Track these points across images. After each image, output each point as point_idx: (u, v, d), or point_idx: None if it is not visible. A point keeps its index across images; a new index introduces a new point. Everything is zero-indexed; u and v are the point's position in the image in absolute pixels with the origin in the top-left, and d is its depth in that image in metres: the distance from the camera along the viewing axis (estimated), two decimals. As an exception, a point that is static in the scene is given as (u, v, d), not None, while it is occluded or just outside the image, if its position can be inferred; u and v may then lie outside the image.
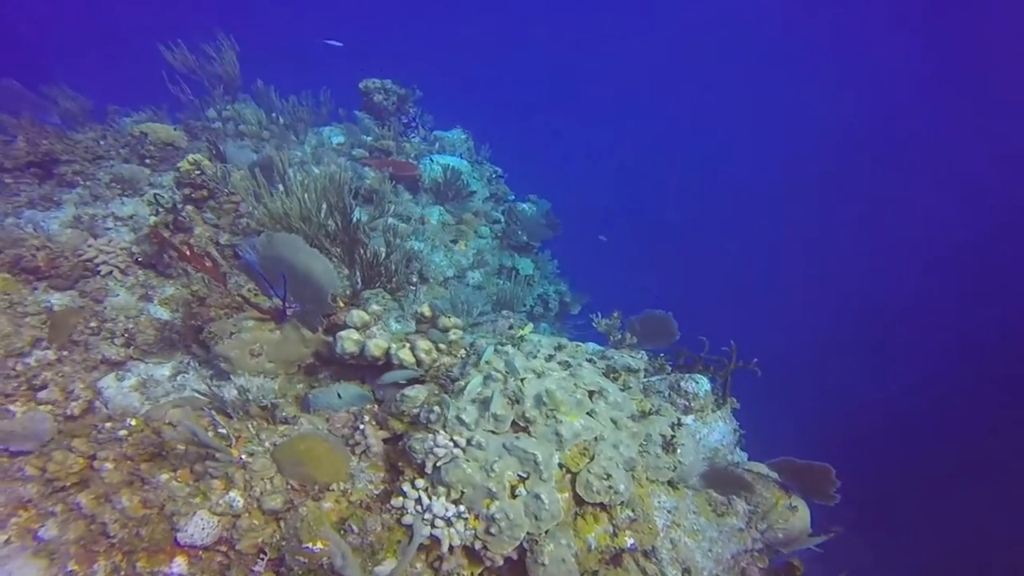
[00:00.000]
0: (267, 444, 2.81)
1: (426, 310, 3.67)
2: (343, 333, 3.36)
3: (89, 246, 4.06)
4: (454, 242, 6.41)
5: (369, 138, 7.08)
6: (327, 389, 3.48)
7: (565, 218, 7.97)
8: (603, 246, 16.80)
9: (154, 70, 6.20)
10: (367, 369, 3.50)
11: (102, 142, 5.22)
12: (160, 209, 3.85)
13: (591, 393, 3.21)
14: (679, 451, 3.23)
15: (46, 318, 3.62)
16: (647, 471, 3.08)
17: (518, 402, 2.95)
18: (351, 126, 7.28)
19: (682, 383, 3.71)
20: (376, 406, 3.18)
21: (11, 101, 5.17)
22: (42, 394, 3.05)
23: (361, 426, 2.98)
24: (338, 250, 3.83)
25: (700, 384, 3.73)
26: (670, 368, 4.24)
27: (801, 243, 27.78)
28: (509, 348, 3.57)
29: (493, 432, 2.83)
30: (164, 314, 4.02)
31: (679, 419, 3.46)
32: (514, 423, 2.89)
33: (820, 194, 30.91)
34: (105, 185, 4.93)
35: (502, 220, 7.28)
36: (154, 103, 6.41)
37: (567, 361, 3.51)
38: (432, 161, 7.12)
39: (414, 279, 5.10)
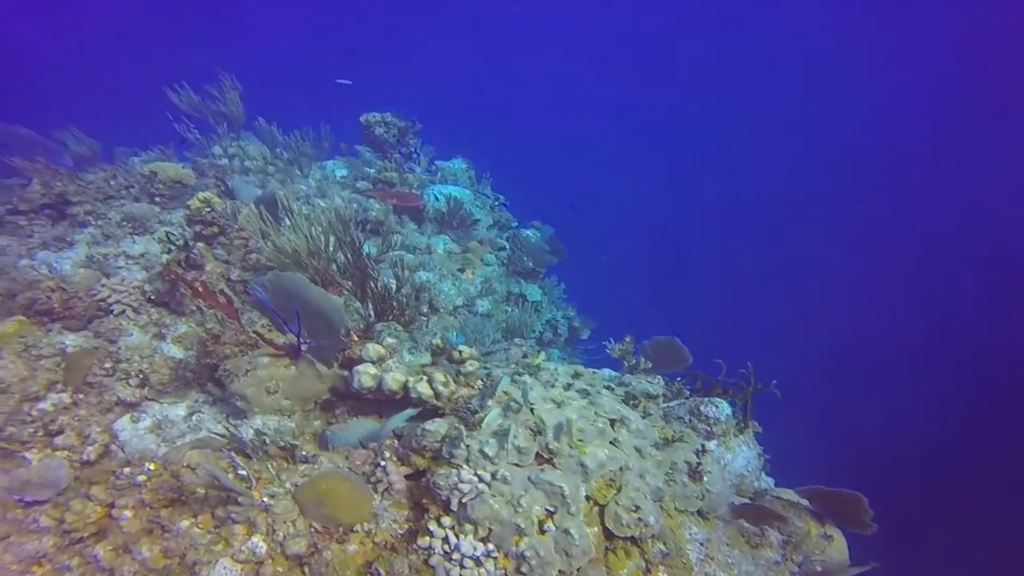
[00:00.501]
0: (288, 485, 2.78)
1: (440, 341, 3.66)
2: (360, 367, 3.36)
3: (102, 286, 4.09)
4: (461, 271, 6.45)
5: (372, 170, 7.19)
6: (345, 425, 3.46)
7: (569, 243, 8.04)
8: (607, 267, 16.82)
9: (160, 111, 6.34)
10: (384, 403, 3.48)
11: (112, 182, 5.30)
12: (172, 247, 3.88)
13: (613, 421, 3.18)
14: (706, 479, 3.18)
15: (60, 360, 3.63)
16: (675, 501, 3.03)
17: (540, 433, 2.92)
18: (353, 159, 7.41)
19: (702, 408, 3.67)
20: (396, 441, 3.16)
21: (25, 146, 5.29)
22: (58, 439, 3.04)
23: (382, 463, 2.95)
24: (349, 284, 3.85)
25: (720, 408, 3.68)
26: (688, 393, 4.21)
27: (816, 257, 27.63)
28: (526, 377, 3.56)
29: (517, 465, 2.80)
30: (177, 352, 4.02)
31: (703, 445, 3.42)
32: (537, 455, 2.86)
33: (840, 203, 30.86)
34: (116, 224, 4.99)
35: (507, 247, 7.35)
36: (161, 143, 6.53)
37: (586, 389, 3.49)
38: (435, 191, 7.24)
39: (425, 310, 5.11)
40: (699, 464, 3.16)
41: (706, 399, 3.77)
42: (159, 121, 6.45)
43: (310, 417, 3.65)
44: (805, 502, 3.46)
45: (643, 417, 3.44)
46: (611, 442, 3.03)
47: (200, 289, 3.22)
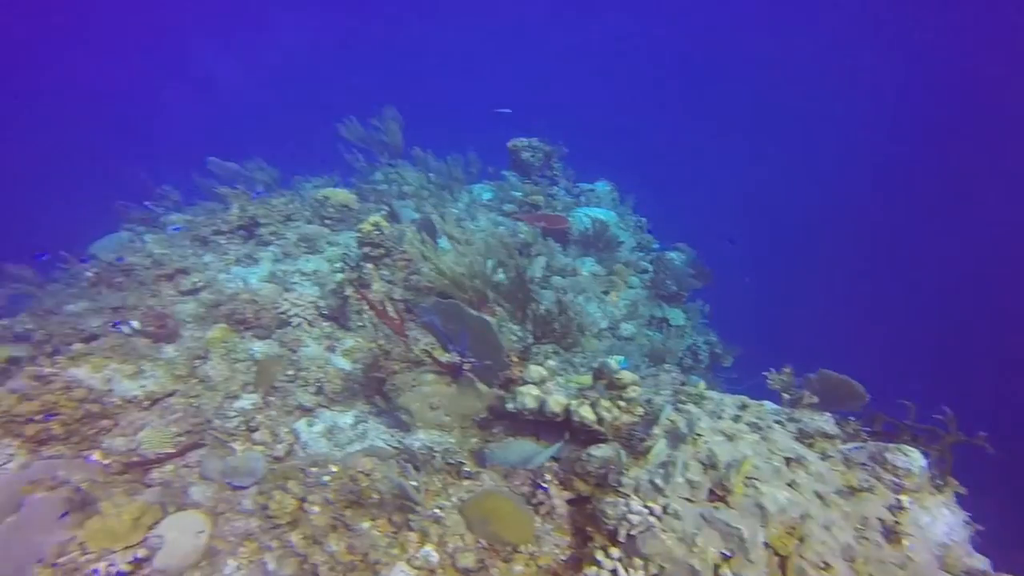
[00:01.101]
0: (455, 500, 2.91)
1: (603, 365, 3.68)
2: (523, 388, 3.45)
3: (284, 299, 4.62)
4: (605, 293, 6.47)
5: (519, 194, 7.48)
6: (503, 445, 3.56)
7: (714, 264, 7.76)
8: (749, 289, 15.84)
9: (330, 141, 7.13)
10: (542, 425, 3.54)
11: (290, 206, 6.01)
12: (347, 267, 4.29)
13: (788, 460, 2.97)
14: (906, 543, 2.84)
15: (252, 364, 4.14)
16: (869, 565, 2.73)
17: (712, 467, 2.80)
18: (500, 183, 7.77)
19: (887, 455, 3.29)
20: (556, 463, 3.19)
21: (230, 176, 6.20)
22: (256, 435, 3.44)
23: (544, 485, 2.99)
24: (508, 306, 3.98)
25: (912, 458, 3.27)
26: (865, 435, 3.82)
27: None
28: (691, 407, 3.45)
29: (689, 500, 2.70)
30: (345, 365, 4.40)
31: (899, 500, 3.06)
32: (710, 491, 2.74)
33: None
34: (293, 244, 5.64)
35: (650, 270, 7.26)
36: (328, 170, 7.33)
37: (755, 423, 3.30)
38: (581, 213, 7.37)
39: (586, 334, 5.17)
40: (897, 523, 2.83)
41: (891, 445, 3.39)
42: (328, 150, 7.24)
43: (467, 434, 3.80)
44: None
45: (822, 459, 3.17)
46: (788, 484, 2.82)
47: (379, 309, 3.51)
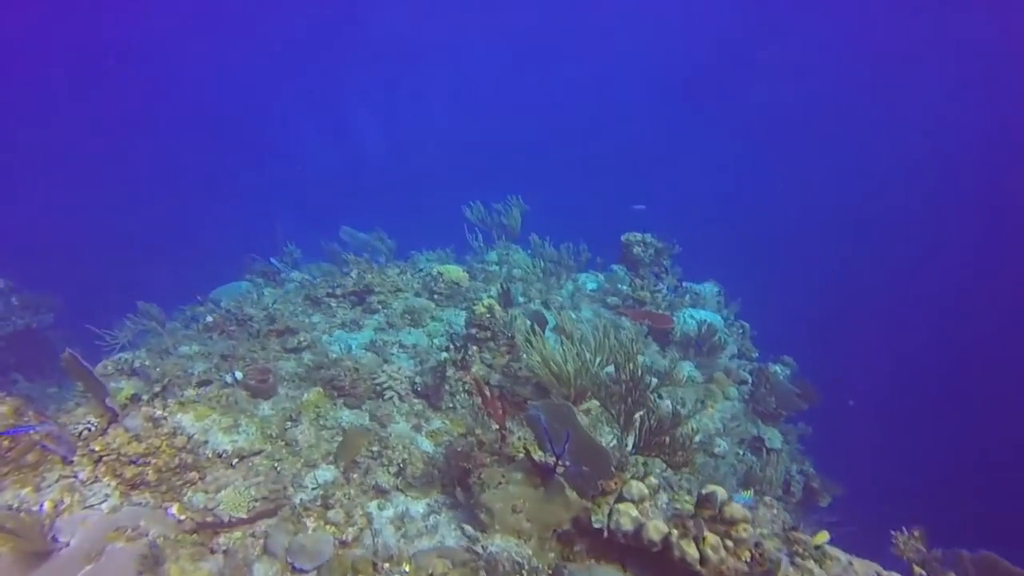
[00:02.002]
0: (533, 631, 2.55)
1: (712, 494, 3.22)
2: (620, 506, 3.08)
3: (383, 371, 4.61)
4: (702, 403, 5.95)
5: (626, 288, 7.30)
6: (587, 568, 3.16)
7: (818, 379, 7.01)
8: (854, 413, 14.09)
9: (453, 219, 7.50)
10: (630, 551, 3.11)
11: (402, 277, 6.20)
12: (452, 346, 4.23)
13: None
14: None
15: (338, 432, 4.09)
16: None
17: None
18: (609, 275, 7.67)
19: None
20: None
21: (356, 245, 6.63)
22: (331, 513, 3.30)
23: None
24: (614, 408, 3.69)
25: None
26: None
27: None
28: (812, 566, 2.91)
29: None
30: (428, 447, 4.24)
31: None
32: None
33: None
34: (398, 315, 5.74)
35: (749, 381, 6.65)
36: (441, 244, 7.62)
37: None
38: (686, 314, 7.05)
39: (699, 454, 4.70)
40: None
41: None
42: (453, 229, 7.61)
43: (546, 546, 3.43)
44: None
45: None
46: None
47: (488, 396, 3.37)
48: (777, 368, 7.14)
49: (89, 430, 3.54)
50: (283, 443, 3.92)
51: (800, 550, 3.23)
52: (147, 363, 4.50)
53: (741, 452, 6.01)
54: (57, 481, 3.18)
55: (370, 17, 31.58)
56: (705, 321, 6.80)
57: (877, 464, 14.54)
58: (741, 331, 7.61)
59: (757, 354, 7.49)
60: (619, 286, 7.47)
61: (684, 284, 8.19)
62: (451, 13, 31.85)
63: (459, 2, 31.45)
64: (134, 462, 3.31)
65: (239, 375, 4.43)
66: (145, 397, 4.01)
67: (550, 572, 3.31)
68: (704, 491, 3.26)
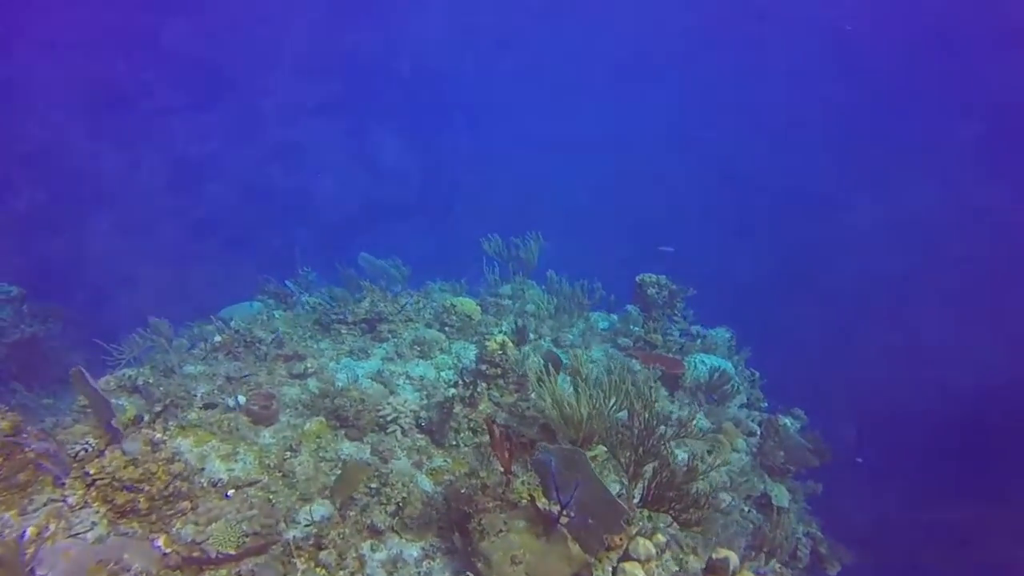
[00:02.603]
0: None
1: (724, 557, 3.07)
2: (626, 566, 2.96)
3: (388, 403, 4.52)
4: (709, 452, 5.74)
5: (638, 329, 7.19)
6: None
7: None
8: (863, 468, 13.51)
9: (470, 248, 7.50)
10: (639, 621, 2.95)
11: (414, 306, 6.15)
12: (461, 382, 4.14)
13: None
14: None
15: (336, 465, 3.99)
16: None
17: None
18: (622, 315, 7.56)
19: None
20: None
21: (373, 272, 6.65)
22: (323, 555, 3.18)
23: None
24: (624, 455, 3.55)
25: None
26: None
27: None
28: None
29: None
30: (428, 485, 4.11)
31: None
32: None
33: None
34: (408, 345, 5.67)
35: (757, 433, 6.42)
36: (454, 276, 7.58)
37: None
38: (698, 359, 6.90)
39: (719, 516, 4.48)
40: None
41: None
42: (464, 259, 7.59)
43: (545, 606, 3.27)
44: None
45: None
46: None
47: (498, 437, 3.27)
48: (787, 421, 6.91)
49: (86, 451, 3.48)
50: (280, 474, 3.83)
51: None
52: (151, 381, 4.47)
53: (747, 509, 5.77)
54: (45, 505, 3.11)
55: (403, 49, 32.24)
56: (718, 368, 6.63)
57: (882, 528, 13.90)
58: (751, 379, 7.43)
59: (766, 404, 7.30)
60: (632, 327, 7.35)
61: (696, 328, 8.05)
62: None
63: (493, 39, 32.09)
64: (128, 488, 3.23)
65: (242, 399, 4.37)
66: (146, 417, 3.96)
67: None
68: (715, 555, 3.11)
